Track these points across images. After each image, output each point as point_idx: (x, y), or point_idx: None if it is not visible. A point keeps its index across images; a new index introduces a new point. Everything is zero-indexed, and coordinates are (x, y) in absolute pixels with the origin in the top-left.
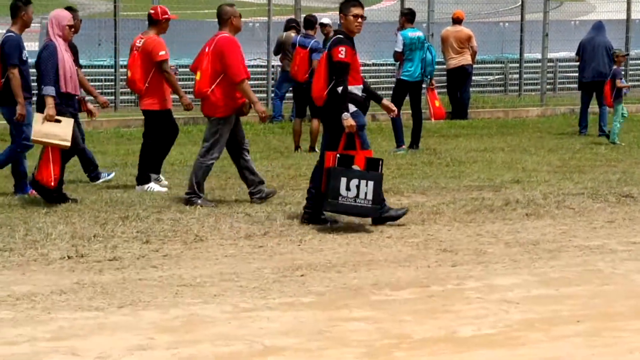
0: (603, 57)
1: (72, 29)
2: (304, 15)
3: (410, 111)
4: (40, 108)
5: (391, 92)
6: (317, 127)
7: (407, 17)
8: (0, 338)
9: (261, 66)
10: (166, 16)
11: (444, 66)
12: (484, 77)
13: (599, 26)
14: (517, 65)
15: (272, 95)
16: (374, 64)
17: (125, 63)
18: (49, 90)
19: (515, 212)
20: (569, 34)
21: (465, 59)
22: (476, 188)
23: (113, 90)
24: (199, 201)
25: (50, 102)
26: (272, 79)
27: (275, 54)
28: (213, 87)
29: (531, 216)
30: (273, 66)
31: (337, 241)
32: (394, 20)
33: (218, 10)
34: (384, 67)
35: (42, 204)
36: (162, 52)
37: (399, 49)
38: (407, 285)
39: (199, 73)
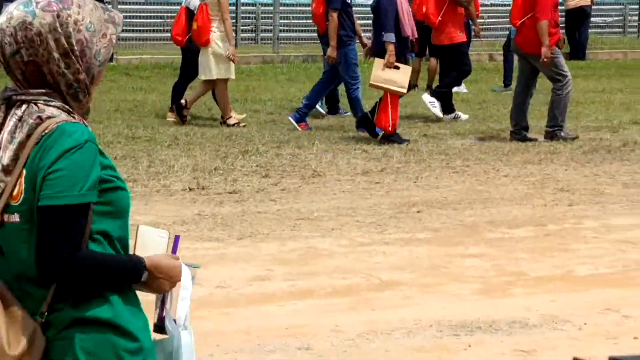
0: None
1: None
2: None
3: None
4: (380, 53)
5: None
6: (434, 66)
7: None
8: None
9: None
10: None
11: (562, 7)
12: (602, 18)
13: None
14: (637, 6)
15: None
16: (492, 4)
17: (246, 1)
18: (390, 37)
19: (634, 153)
20: None
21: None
22: (594, 129)
23: (235, 27)
24: (562, 133)
25: (390, 49)
26: None
27: None
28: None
29: None
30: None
31: (453, 178)
32: None
33: None
34: (502, 8)
35: (166, 137)
36: None
37: None
38: (523, 224)
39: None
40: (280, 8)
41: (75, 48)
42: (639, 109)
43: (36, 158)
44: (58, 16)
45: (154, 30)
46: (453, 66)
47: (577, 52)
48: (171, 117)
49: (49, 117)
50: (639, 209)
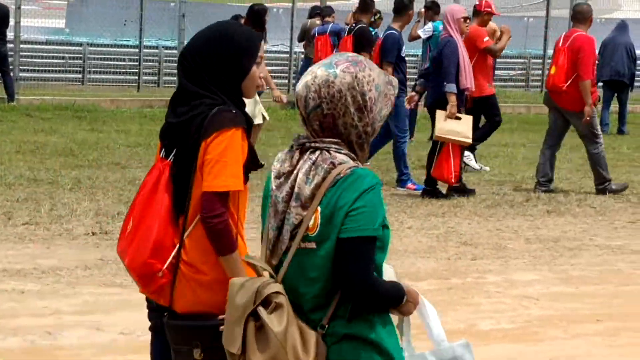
0: (622, 57)
1: (467, 22)
2: (323, 6)
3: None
4: (441, 105)
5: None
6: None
7: (434, 9)
8: (27, 310)
9: (284, 52)
10: (488, 9)
11: None
12: (506, 72)
13: (621, 26)
14: (540, 61)
15: (294, 81)
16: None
17: (149, 44)
18: (452, 87)
19: (536, 208)
20: (593, 32)
21: None
22: (497, 183)
23: (137, 71)
24: (613, 186)
25: (453, 100)
26: (294, 65)
27: (300, 40)
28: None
29: (552, 213)
30: (295, 52)
31: None
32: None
33: (577, 9)
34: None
35: (68, 180)
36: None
37: (424, 35)
38: (426, 277)
39: (553, 67)
40: None
41: (368, 104)
42: None
43: (333, 197)
44: (356, 77)
45: (55, 71)
46: (486, 117)
47: None
48: None
49: (340, 163)
50: (541, 265)
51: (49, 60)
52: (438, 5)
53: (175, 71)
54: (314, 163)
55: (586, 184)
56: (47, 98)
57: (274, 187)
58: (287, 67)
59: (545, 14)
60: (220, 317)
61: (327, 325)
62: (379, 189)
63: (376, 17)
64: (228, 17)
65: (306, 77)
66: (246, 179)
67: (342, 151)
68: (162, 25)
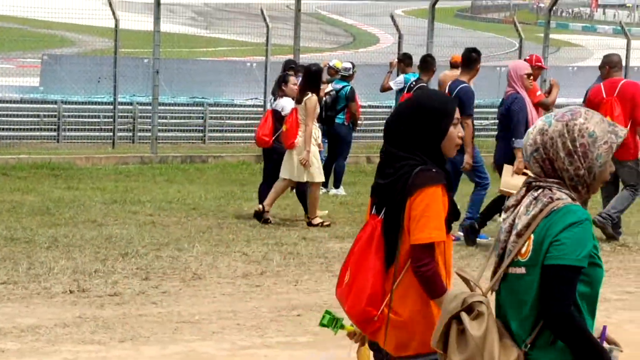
0: None
1: (531, 78)
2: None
3: None
4: (509, 160)
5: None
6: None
7: (406, 61)
8: None
9: (258, 106)
10: (539, 64)
11: None
12: (480, 121)
13: None
14: None
15: None
16: (369, 106)
17: (123, 100)
18: (520, 143)
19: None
20: (566, 80)
21: None
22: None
23: (112, 127)
24: (609, 228)
25: (520, 156)
26: None
27: (274, 93)
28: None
29: None
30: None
31: (332, 282)
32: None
33: (613, 58)
34: (380, 110)
35: (45, 239)
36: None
37: (395, 87)
38: None
39: (609, 118)
40: (159, 108)
41: (578, 150)
42: None
43: (545, 227)
44: (566, 125)
45: (30, 129)
46: None
47: None
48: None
49: (558, 199)
50: None
51: (24, 119)
52: (410, 57)
53: (150, 127)
54: (535, 198)
55: None
56: (23, 157)
57: (501, 220)
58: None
59: None
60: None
61: (529, 345)
62: (588, 225)
63: (353, 70)
64: (200, 72)
65: (531, 127)
66: (448, 229)
67: (563, 190)
68: (136, 81)
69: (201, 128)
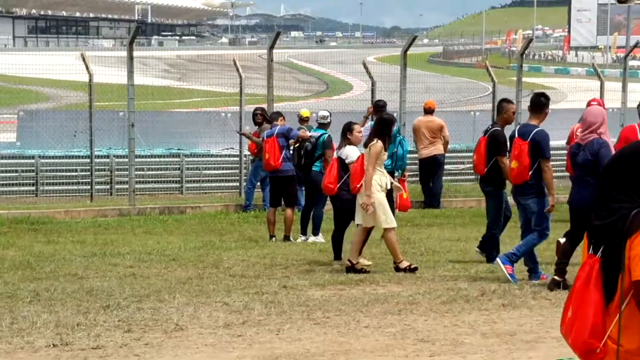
0: None
1: None
2: (272, 112)
3: None
4: (590, 204)
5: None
6: (291, 216)
7: (376, 108)
8: None
9: (233, 155)
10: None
11: (416, 155)
12: (456, 165)
13: None
14: None
15: (245, 184)
16: None
17: (100, 154)
18: None
19: (491, 302)
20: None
21: (437, 148)
22: (451, 278)
23: (89, 180)
24: None
25: None
26: (245, 168)
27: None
28: None
29: (507, 307)
30: (245, 155)
31: (314, 330)
32: (364, 109)
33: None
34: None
35: (27, 293)
36: None
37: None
38: None
39: None
40: (135, 160)
41: None
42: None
43: None
44: None
45: (8, 184)
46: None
47: (432, 201)
48: (335, 265)
49: None
50: (499, 359)
51: (2, 174)
52: (385, 104)
53: (127, 179)
54: None
55: None
56: (2, 212)
57: None
58: (237, 170)
59: (491, 107)
60: None
61: None
62: None
63: (330, 118)
64: (176, 123)
65: None
66: None
67: None
68: (112, 134)
69: (178, 179)
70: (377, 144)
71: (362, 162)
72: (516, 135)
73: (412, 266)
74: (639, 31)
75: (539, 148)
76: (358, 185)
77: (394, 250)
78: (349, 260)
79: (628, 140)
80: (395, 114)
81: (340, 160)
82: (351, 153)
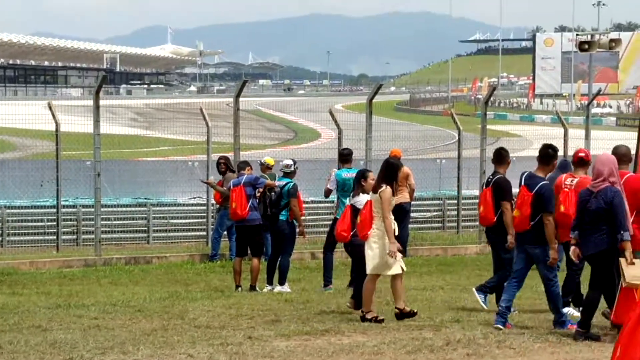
0: None
1: None
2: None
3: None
4: (604, 256)
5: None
6: (257, 266)
7: (340, 157)
8: None
9: (200, 204)
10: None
11: None
12: (422, 213)
13: (564, 165)
14: (455, 201)
15: (212, 233)
16: (312, 201)
17: (67, 203)
18: (627, 235)
19: (456, 352)
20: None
21: (404, 196)
22: (416, 327)
23: (55, 231)
24: None
25: (629, 247)
26: (212, 217)
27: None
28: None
29: (472, 356)
30: (212, 204)
31: None
32: (331, 157)
33: (620, 151)
34: (322, 205)
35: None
36: None
37: (330, 187)
38: None
39: None
40: (102, 209)
41: None
42: (460, 306)
43: None
44: None
45: None
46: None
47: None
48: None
49: None
50: None
51: None
52: (350, 152)
53: (94, 229)
54: None
55: None
56: None
57: None
58: (204, 219)
59: (457, 154)
60: None
61: None
62: None
63: (295, 166)
64: (143, 172)
65: None
66: None
67: None
68: (79, 184)
69: (145, 228)
70: (387, 189)
71: (371, 209)
72: (522, 183)
73: (413, 311)
74: (602, 79)
75: (543, 201)
76: (369, 233)
77: (400, 296)
78: (361, 311)
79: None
80: (362, 162)
81: (354, 208)
82: (364, 201)
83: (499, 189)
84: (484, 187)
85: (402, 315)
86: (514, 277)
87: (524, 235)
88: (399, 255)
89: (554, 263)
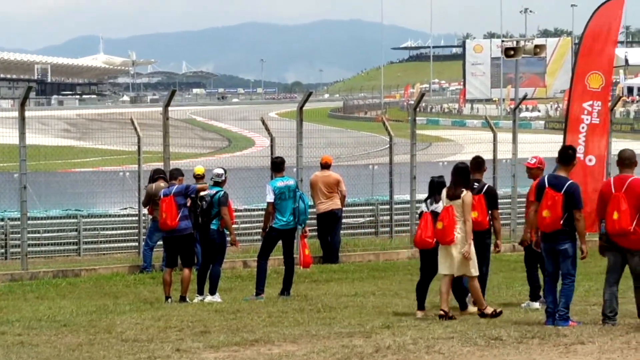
0: None
1: None
2: (173, 168)
3: (281, 257)
4: None
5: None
6: (188, 276)
7: (273, 166)
8: None
9: (132, 215)
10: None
11: (314, 210)
12: (355, 219)
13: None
14: (388, 207)
15: (143, 245)
16: (245, 210)
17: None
18: None
19: (386, 358)
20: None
21: (335, 203)
22: (347, 335)
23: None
24: None
25: None
26: (144, 227)
27: (145, 205)
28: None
29: None
30: (144, 215)
31: None
32: (265, 165)
33: (625, 155)
34: (255, 213)
35: None
36: None
37: (270, 199)
38: None
39: (615, 213)
40: (31, 222)
41: None
42: (391, 312)
43: None
44: None
45: None
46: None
47: (330, 256)
48: (419, 315)
49: None
50: None
51: None
52: (283, 161)
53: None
54: None
55: (434, 329)
56: None
57: None
58: (136, 230)
59: (389, 160)
60: None
61: None
62: None
63: (225, 175)
64: (72, 184)
65: None
66: None
67: None
68: (6, 196)
69: (75, 240)
70: (469, 193)
71: (452, 215)
72: (546, 185)
73: (498, 310)
74: (529, 84)
75: (574, 200)
76: (454, 237)
77: (479, 297)
78: (442, 310)
79: (602, 195)
80: (294, 170)
81: (434, 215)
82: (442, 207)
83: (491, 198)
84: (472, 194)
85: (483, 315)
86: (552, 279)
87: (553, 235)
88: (475, 258)
89: (586, 257)
